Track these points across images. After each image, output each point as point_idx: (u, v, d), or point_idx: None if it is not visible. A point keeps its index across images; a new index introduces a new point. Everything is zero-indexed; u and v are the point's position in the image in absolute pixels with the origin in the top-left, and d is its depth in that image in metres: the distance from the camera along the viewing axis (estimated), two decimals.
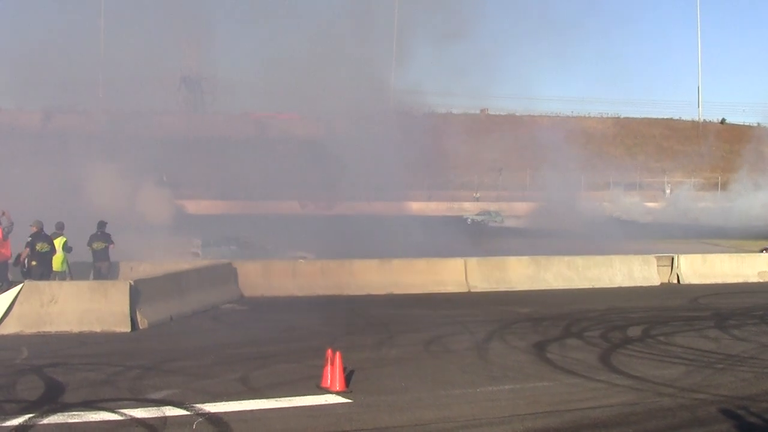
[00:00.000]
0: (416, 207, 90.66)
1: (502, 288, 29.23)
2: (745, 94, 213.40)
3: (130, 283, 20.21)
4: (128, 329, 19.50)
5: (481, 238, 49.12)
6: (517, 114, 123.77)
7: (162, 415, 11.74)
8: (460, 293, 28.41)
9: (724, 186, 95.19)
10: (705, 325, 21.59)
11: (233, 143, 44.95)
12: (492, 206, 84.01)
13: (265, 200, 47.90)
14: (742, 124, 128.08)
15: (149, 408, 12.10)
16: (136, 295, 20.02)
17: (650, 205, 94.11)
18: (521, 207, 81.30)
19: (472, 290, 28.86)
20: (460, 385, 14.07)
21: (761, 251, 41.70)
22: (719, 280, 32.94)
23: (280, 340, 18.61)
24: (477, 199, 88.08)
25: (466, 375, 15.01)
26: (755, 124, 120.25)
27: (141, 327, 19.83)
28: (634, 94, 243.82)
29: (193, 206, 49.66)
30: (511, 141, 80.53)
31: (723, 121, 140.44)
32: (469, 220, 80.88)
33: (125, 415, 11.69)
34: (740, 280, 33.44)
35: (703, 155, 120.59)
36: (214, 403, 12.38)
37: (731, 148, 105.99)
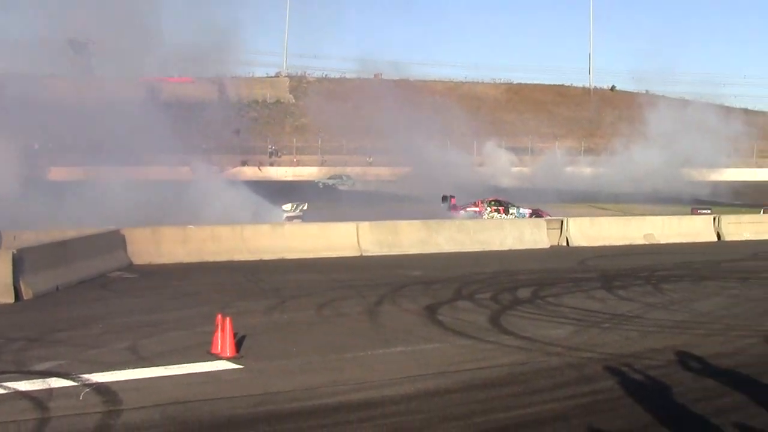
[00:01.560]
0: (308, 172, 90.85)
1: (395, 252, 29.34)
2: (634, 61, 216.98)
3: (12, 252, 19.61)
4: (12, 300, 18.95)
5: None
6: (411, 79, 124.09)
7: (48, 386, 11.48)
8: (352, 257, 28.46)
9: (610, 151, 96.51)
10: (592, 286, 21.96)
11: (122, 107, 43.89)
12: (383, 171, 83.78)
13: (152, 165, 47.00)
14: (631, 91, 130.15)
15: (34, 380, 11.80)
16: (19, 264, 19.43)
17: (519, 169, 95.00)
18: (395, 171, 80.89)
19: (364, 254, 28.92)
20: (351, 349, 14.07)
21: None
22: (606, 243, 33.58)
23: (170, 308, 18.35)
24: (370, 164, 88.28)
25: (358, 338, 15.02)
26: (644, 92, 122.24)
27: (25, 297, 19.29)
28: (526, 60, 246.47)
29: (69, 173, 48.19)
30: (405, 106, 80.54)
31: (613, 88, 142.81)
32: (321, 184, 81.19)
33: (8, 388, 11.40)
34: (627, 242, 34.12)
35: (593, 121, 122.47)
36: (102, 373, 12.15)
37: (621, 114, 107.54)
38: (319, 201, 50.13)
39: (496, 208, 46.44)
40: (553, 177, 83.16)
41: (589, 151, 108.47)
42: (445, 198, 47.68)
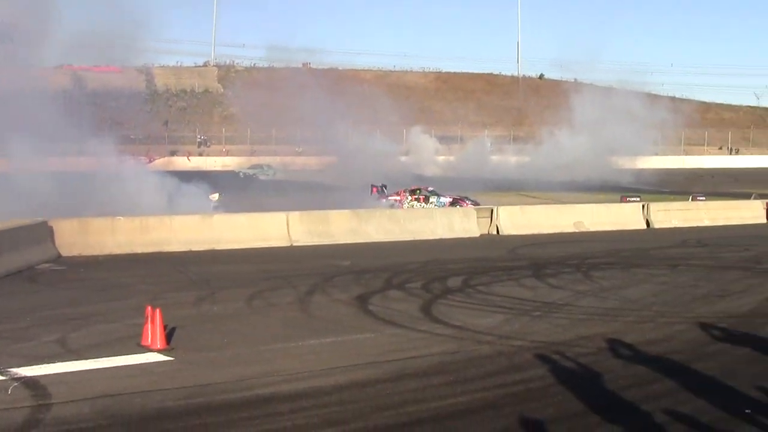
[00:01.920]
0: (238, 162, 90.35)
1: (325, 241, 29.26)
2: (562, 50, 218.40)
3: None
4: None
5: None
6: (340, 68, 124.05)
7: None
8: (282, 247, 28.34)
9: (537, 139, 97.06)
10: (523, 274, 22.11)
11: (47, 97, 43.19)
12: (312, 161, 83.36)
13: (78, 156, 46.36)
14: (560, 79, 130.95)
15: None
16: None
17: (445, 158, 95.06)
18: (323, 161, 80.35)
19: (294, 244, 28.81)
20: (282, 340, 14.05)
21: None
22: (537, 231, 33.74)
23: (99, 300, 18.12)
24: (299, 153, 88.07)
25: (289, 329, 14.99)
26: (572, 80, 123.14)
27: None
28: (455, 49, 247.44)
29: None
30: (334, 95, 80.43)
31: (541, 77, 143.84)
32: (242, 174, 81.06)
33: None
34: (557, 230, 34.33)
35: (522, 109, 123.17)
36: (30, 367, 12.00)
37: (549, 102, 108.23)
38: (242, 191, 49.98)
39: (416, 197, 46.97)
40: (479, 165, 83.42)
41: (518, 139, 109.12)
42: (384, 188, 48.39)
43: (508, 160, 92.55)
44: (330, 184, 56.00)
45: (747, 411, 10.16)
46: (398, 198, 46.85)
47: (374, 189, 48.14)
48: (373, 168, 62.11)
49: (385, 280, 20.73)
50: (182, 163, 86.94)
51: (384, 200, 46.03)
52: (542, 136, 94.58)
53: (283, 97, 79.83)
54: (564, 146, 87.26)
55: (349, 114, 75.39)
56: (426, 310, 16.85)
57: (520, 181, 68.35)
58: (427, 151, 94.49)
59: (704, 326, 15.18)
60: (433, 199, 46.66)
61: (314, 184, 59.04)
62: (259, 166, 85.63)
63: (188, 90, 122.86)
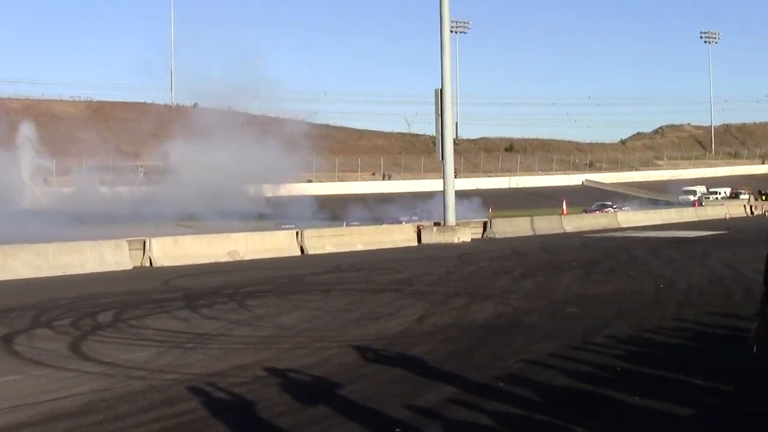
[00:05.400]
0: None
1: None
2: (220, 78, 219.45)
3: None
4: None
5: None
6: None
7: None
8: None
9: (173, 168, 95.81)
10: (176, 306, 21.88)
11: None
12: None
13: None
14: (214, 108, 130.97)
15: None
16: None
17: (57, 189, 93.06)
18: None
19: None
20: None
21: None
22: (191, 261, 33.69)
23: None
24: None
25: None
26: (227, 108, 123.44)
27: None
28: (109, 78, 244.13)
29: None
30: None
31: (195, 105, 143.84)
32: None
33: None
34: (212, 260, 34.41)
35: (176, 137, 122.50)
36: None
37: (205, 131, 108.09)
38: None
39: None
40: (89, 198, 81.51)
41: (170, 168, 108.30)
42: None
43: (133, 191, 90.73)
44: None
45: (397, 430, 10.38)
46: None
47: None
48: None
49: (32, 319, 19.91)
50: None
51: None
52: (173, 165, 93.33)
53: None
54: (201, 175, 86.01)
55: None
56: (75, 347, 16.28)
57: (134, 215, 67.28)
58: (32, 168, 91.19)
59: (357, 349, 15.47)
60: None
61: None
62: None
63: None
